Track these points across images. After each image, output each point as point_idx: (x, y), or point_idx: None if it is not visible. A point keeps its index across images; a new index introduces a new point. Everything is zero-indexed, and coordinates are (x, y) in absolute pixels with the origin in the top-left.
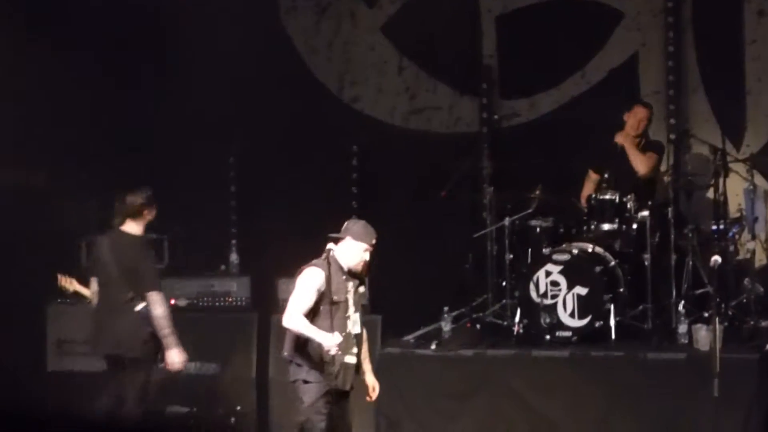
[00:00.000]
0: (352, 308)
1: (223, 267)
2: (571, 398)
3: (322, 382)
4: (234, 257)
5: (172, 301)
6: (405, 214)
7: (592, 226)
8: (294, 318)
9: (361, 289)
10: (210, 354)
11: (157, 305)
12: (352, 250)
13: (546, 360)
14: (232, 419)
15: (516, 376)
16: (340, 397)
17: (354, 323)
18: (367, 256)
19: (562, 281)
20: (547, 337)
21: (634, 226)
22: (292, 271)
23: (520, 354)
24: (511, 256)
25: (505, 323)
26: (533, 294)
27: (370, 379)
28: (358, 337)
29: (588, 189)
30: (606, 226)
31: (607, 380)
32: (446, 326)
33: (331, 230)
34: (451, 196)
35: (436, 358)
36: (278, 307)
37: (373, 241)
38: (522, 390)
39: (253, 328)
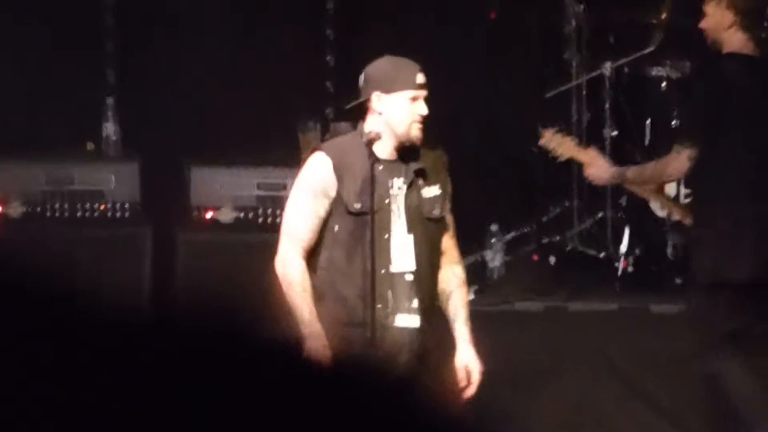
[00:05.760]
0: (401, 223)
1: (90, 145)
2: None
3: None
4: (111, 128)
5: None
6: (419, 50)
7: None
8: (281, 259)
9: (427, 190)
10: None
11: None
12: (390, 110)
13: (676, 320)
14: None
15: (621, 347)
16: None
17: (405, 252)
18: (420, 109)
19: None
20: (678, 280)
21: None
22: (217, 150)
23: (630, 309)
24: (615, 132)
25: (603, 254)
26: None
27: (463, 357)
28: (422, 278)
29: None
30: None
31: None
32: (494, 258)
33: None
34: (505, 19)
35: (477, 315)
36: (190, 216)
37: (419, 79)
38: (630, 371)
39: (143, 254)
